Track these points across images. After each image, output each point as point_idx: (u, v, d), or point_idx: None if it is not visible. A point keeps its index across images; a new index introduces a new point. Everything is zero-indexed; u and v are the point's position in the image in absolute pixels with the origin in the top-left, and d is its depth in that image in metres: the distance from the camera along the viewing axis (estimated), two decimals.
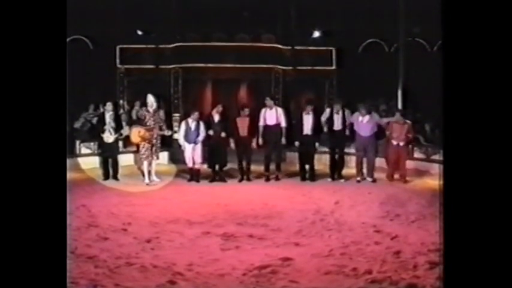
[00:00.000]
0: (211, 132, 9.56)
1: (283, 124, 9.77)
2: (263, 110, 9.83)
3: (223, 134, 9.58)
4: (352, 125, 9.70)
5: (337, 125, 9.76)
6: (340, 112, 9.79)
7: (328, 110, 9.99)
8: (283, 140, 9.81)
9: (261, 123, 9.76)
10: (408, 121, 9.79)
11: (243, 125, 9.65)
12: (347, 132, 9.74)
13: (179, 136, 9.82)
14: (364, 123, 9.58)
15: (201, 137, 9.55)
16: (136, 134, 9.34)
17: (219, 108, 9.75)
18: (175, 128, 11.48)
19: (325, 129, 9.75)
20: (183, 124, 9.80)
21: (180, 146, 9.88)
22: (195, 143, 9.53)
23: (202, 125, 9.57)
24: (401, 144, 9.56)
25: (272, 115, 9.77)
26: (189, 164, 9.69)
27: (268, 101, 9.93)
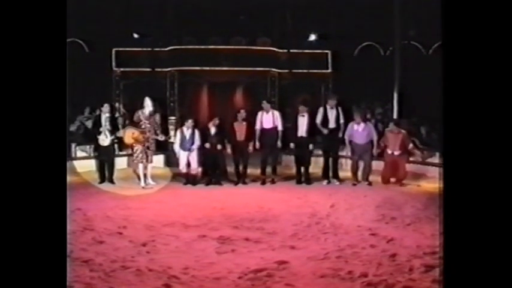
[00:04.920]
0: (207, 145, 9.54)
1: (280, 127, 9.77)
2: (259, 114, 9.82)
3: (219, 147, 9.55)
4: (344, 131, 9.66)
5: (332, 123, 9.71)
6: (335, 108, 9.76)
7: (321, 109, 9.91)
8: (279, 143, 9.79)
9: (258, 126, 9.74)
10: (403, 130, 9.77)
11: (240, 130, 9.67)
12: (340, 134, 9.70)
13: (174, 145, 9.82)
14: (359, 131, 9.59)
15: (195, 145, 9.54)
16: (129, 135, 9.29)
17: (216, 121, 9.71)
18: (171, 132, 11.47)
19: (324, 131, 9.66)
20: (178, 133, 9.81)
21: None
22: (190, 150, 9.53)
23: (197, 133, 9.56)
24: (396, 153, 9.53)
25: (269, 118, 9.76)
26: (184, 170, 9.71)
27: (265, 105, 9.93)
